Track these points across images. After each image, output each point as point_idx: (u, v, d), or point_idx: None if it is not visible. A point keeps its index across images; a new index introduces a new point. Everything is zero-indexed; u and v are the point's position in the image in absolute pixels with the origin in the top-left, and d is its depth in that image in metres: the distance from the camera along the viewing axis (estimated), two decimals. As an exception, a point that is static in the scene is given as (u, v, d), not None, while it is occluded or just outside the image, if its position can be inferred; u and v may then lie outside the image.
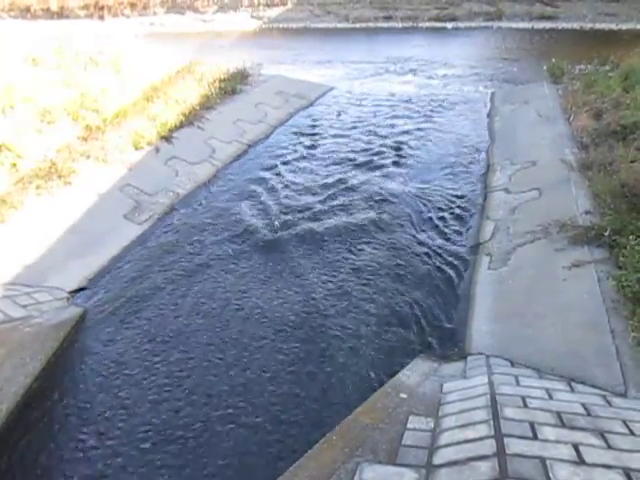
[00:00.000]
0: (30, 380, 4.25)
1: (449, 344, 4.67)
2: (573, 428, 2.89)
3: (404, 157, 9.18)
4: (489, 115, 11.64)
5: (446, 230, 6.66)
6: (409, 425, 3.21)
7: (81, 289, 5.64)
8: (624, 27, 24.32)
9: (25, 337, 4.56)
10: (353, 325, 4.93)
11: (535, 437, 2.80)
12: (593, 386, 3.57)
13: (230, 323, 5.04)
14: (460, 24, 26.46)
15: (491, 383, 3.53)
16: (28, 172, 6.77)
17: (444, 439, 2.98)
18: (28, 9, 27.87)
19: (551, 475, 2.48)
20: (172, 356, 4.64)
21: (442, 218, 6.96)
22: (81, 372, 4.52)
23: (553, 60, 13.28)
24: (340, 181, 8.17)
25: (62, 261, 5.85)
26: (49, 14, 27.96)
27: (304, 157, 9.41)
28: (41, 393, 4.25)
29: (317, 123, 11.50)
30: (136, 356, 4.66)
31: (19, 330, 4.59)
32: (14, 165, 6.74)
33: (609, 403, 3.27)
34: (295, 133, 10.90)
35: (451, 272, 5.76)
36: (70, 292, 5.52)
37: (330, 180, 8.25)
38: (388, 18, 27.49)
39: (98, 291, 5.62)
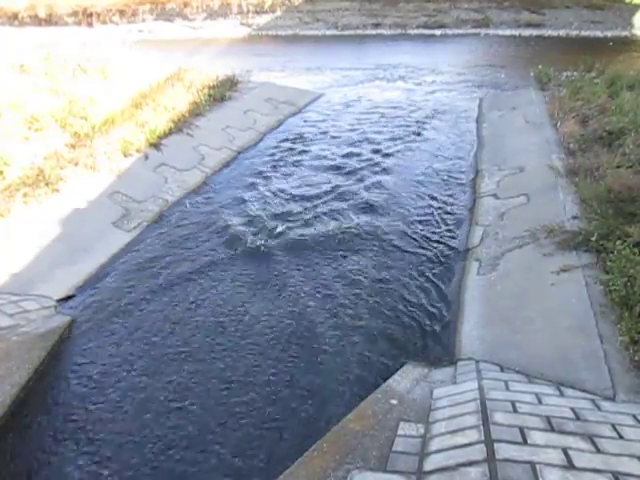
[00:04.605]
0: (17, 390, 4.20)
1: (439, 349, 4.69)
2: (562, 432, 2.90)
3: (392, 163, 9.19)
4: (477, 121, 11.72)
5: (434, 235, 6.68)
6: (399, 431, 3.21)
7: (69, 297, 5.58)
8: (609, 34, 24.64)
9: (12, 346, 4.51)
10: (341, 331, 4.93)
11: (525, 442, 2.81)
12: (582, 390, 3.59)
13: (218, 333, 5.02)
14: (448, 31, 26.65)
15: (481, 388, 3.54)
16: (15, 180, 6.72)
17: (434, 445, 2.98)
18: (16, 16, 27.66)
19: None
20: (160, 365, 4.61)
21: (430, 224, 6.98)
22: (68, 381, 4.47)
23: (540, 67, 13.40)
24: (329, 188, 8.17)
25: (50, 269, 5.80)
26: (37, 21, 27.77)
27: (293, 164, 9.41)
28: (28, 403, 4.20)
29: (306, 130, 11.50)
30: (123, 365, 4.62)
31: (6, 339, 4.55)
32: (1, 173, 6.68)
33: (598, 407, 3.29)
34: (284, 140, 10.90)
35: (441, 277, 5.78)
36: (58, 300, 5.47)
37: (319, 187, 8.25)
38: (377, 25, 27.61)
39: (86, 299, 5.57)
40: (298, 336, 4.92)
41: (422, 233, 6.74)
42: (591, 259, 4.98)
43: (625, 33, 24.80)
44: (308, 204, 7.64)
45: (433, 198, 7.78)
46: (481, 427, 2.99)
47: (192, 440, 3.83)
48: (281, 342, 4.84)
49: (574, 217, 5.80)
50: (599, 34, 24.80)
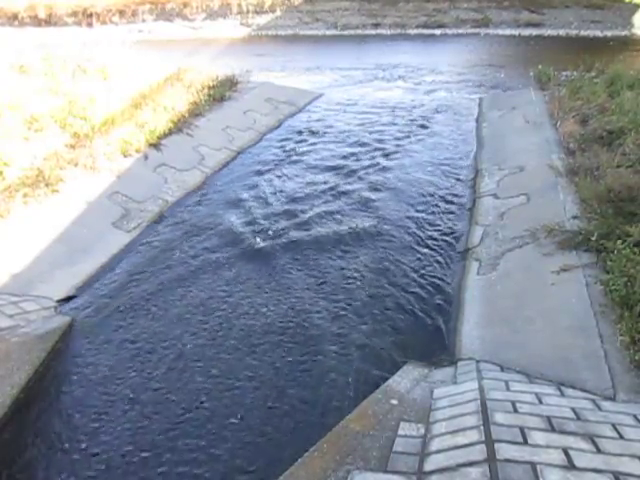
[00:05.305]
0: (16, 391, 4.19)
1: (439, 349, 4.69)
2: (563, 432, 2.90)
3: (392, 163, 9.20)
4: (477, 121, 11.72)
5: (434, 235, 6.68)
6: (400, 432, 3.21)
7: (69, 298, 5.58)
8: (609, 34, 24.66)
9: (11, 347, 4.51)
10: (340, 329, 4.93)
11: (525, 442, 2.80)
12: (582, 390, 3.58)
13: (220, 334, 5.01)
14: (448, 31, 26.67)
15: (481, 388, 3.54)
16: (15, 180, 6.71)
17: (435, 445, 2.98)
18: (15, 16, 27.62)
19: (542, 480, 2.49)
20: (161, 367, 4.60)
21: (430, 223, 6.98)
22: (68, 382, 4.46)
23: (540, 66, 13.40)
24: (329, 188, 8.17)
25: (50, 270, 5.79)
26: (37, 21, 27.74)
27: (292, 163, 9.41)
28: (28, 403, 4.19)
29: (306, 130, 11.50)
30: (124, 367, 4.62)
31: (5, 340, 4.54)
32: (0, 173, 6.68)
33: (598, 407, 3.28)
34: (284, 140, 10.90)
35: (440, 277, 5.78)
36: (58, 301, 5.46)
37: (319, 186, 8.25)
38: (376, 25, 27.62)
39: (86, 300, 5.56)
40: (299, 332, 4.93)
41: (421, 233, 6.73)
42: (591, 259, 4.98)
43: (625, 32, 24.82)
44: (308, 203, 7.64)
45: (432, 198, 7.77)
46: (481, 427, 2.99)
47: (197, 441, 3.84)
48: (283, 339, 4.85)
49: (574, 217, 5.80)
50: (599, 34, 24.82)
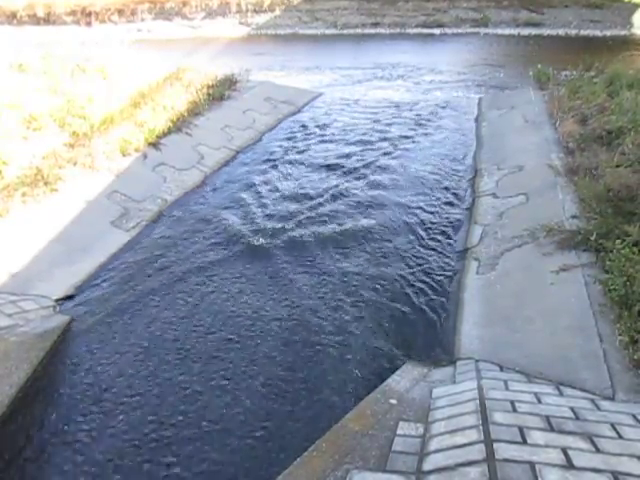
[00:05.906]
0: (15, 390, 4.18)
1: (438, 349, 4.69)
2: (562, 432, 2.90)
3: (391, 162, 9.19)
4: (476, 120, 11.73)
5: (433, 234, 6.68)
6: (399, 431, 3.21)
7: (68, 297, 5.57)
8: (608, 33, 24.69)
9: (10, 346, 4.50)
10: (340, 330, 4.93)
11: (524, 442, 2.80)
12: (581, 390, 3.59)
13: (220, 333, 5.00)
14: (447, 30, 26.69)
15: (480, 388, 3.54)
16: (14, 179, 6.69)
17: (434, 445, 2.98)
18: (14, 15, 27.56)
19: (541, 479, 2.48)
20: (161, 367, 4.59)
21: (429, 223, 6.98)
22: (67, 381, 4.46)
23: (539, 66, 13.39)
24: (328, 187, 8.16)
25: (48, 269, 5.78)
26: (35, 20, 27.69)
27: (292, 163, 9.40)
28: (27, 403, 4.18)
29: (305, 129, 11.50)
30: (123, 366, 4.61)
31: (4, 339, 4.53)
32: (-1, 172, 6.68)
33: (597, 407, 3.28)
34: (283, 139, 10.89)
35: (439, 277, 5.78)
36: (57, 300, 5.45)
37: (318, 186, 8.25)
38: (376, 25, 27.63)
39: (85, 299, 5.55)
40: (298, 333, 4.93)
41: (420, 232, 6.73)
42: (590, 258, 4.98)
43: (624, 32, 24.87)
44: (307, 203, 7.64)
45: (431, 197, 7.77)
46: (480, 427, 2.99)
47: (195, 435, 3.84)
48: (283, 342, 4.85)
49: (573, 216, 5.80)
50: (598, 33, 24.85)
